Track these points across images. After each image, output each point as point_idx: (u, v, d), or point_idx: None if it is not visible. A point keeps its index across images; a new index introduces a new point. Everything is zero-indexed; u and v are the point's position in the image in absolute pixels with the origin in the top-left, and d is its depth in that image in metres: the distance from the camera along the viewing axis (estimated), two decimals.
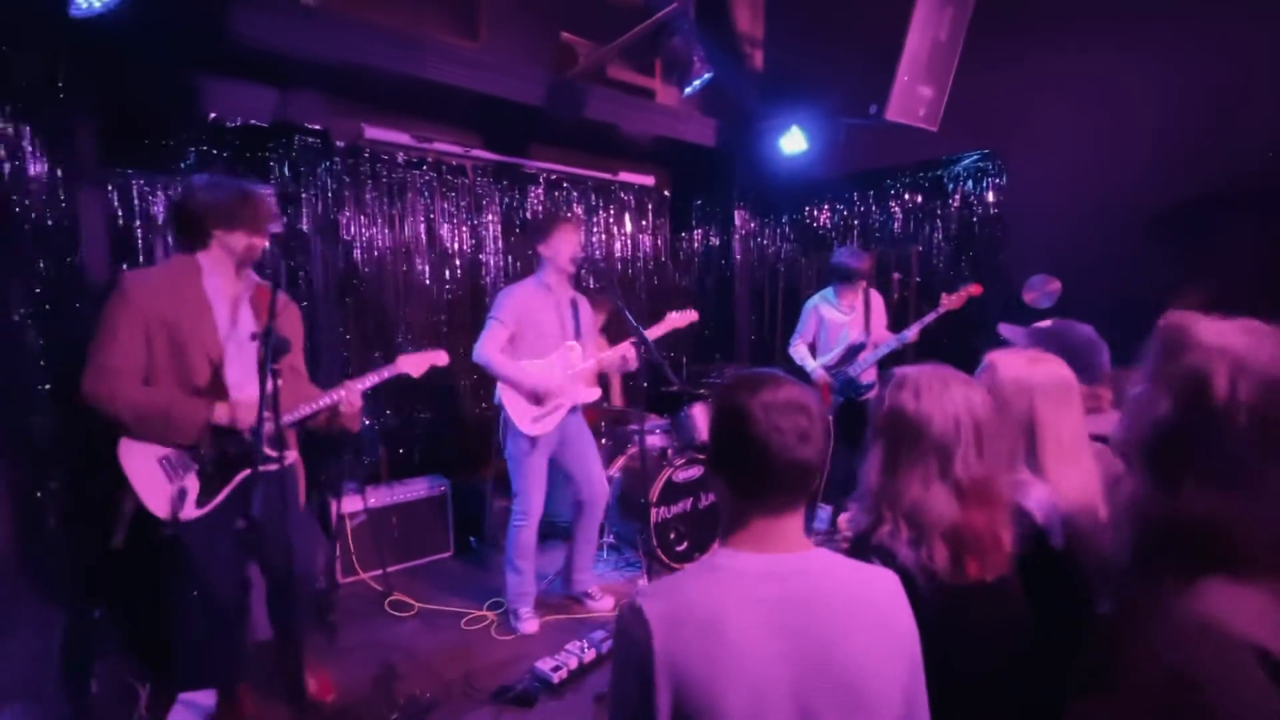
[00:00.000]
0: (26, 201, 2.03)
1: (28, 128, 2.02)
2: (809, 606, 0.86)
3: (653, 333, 2.95)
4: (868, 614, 0.88)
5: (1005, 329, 1.83)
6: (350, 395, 2.14)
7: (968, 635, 1.11)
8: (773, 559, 0.90)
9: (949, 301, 3.45)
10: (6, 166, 1.91)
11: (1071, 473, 1.36)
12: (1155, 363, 0.77)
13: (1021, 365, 1.43)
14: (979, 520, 1.12)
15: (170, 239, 2.99)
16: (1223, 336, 0.73)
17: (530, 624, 2.89)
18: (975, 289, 3.46)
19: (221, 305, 1.99)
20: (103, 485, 1.97)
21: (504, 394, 2.82)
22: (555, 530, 3.75)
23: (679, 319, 3.09)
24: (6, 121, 1.94)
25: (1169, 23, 3.13)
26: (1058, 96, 3.52)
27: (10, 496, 1.76)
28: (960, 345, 3.33)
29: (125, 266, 2.93)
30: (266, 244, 1.95)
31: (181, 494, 1.93)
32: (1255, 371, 0.68)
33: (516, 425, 2.80)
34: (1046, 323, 1.79)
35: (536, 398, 2.84)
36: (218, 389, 1.97)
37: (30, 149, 2.06)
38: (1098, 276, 3.34)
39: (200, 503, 1.96)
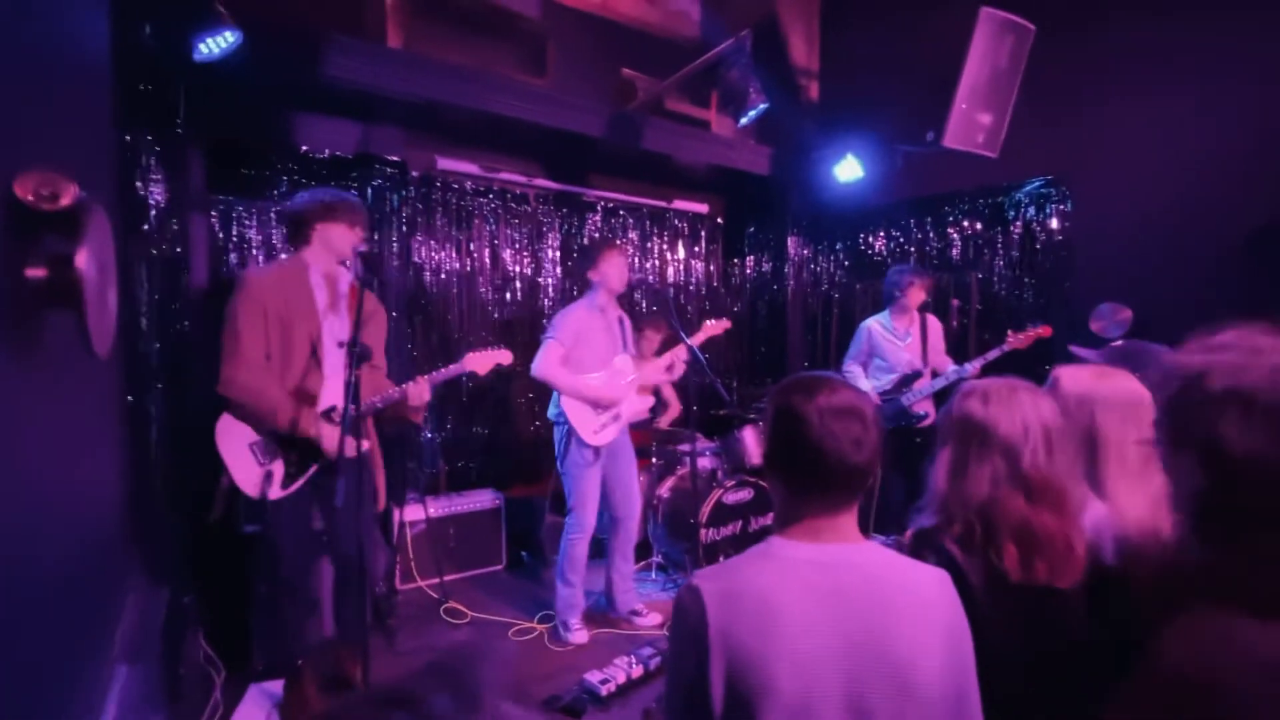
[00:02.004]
0: (148, 224, 2.28)
1: (153, 157, 2.28)
2: (860, 595, 0.89)
3: (692, 341, 3.06)
4: (917, 605, 0.90)
5: (1077, 349, 1.79)
6: (420, 388, 2.35)
7: (1036, 636, 1.11)
8: (825, 548, 0.93)
9: (1015, 340, 3.35)
10: (138, 191, 2.16)
11: (1136, 492, 1.31)
12: (1169, 426, 0.71)
13: (1086, 379, 1.41)
14: (1050, 522, 1.13)
15: (283, 240, 3.35)
16: (1228, 378, 0.66)
17: (580, 634, 2.94)
18: (1045, 331, 3.35)
19: (323, 300, 2.28)
20: (202, 476, 2.18)
21: (568, 407, 2.92)
22: (603, 549, 3.79)
23: (714, 327, 3.25)
24: (136, 151, 2.19)
25: (1242, 45, 3.05)
26: (1125, 121, 3.46)
27: (129, 480, 1.96)
28: (1026, 375, 3.24)
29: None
30: (360, 240, 2.14)
31: (268, 476, 2.17)
32: (1263, 411, 0.62)
33: (581, 436, 2.90)
34: (1119, 342, 1.75)
35: (598, 407, 2.94)
36: (315, 374, 2.25)
37: (153, 176, 2.32)
38: (1170, 305, 3.20)
39: (285, 484, 2.20)
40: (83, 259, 0.83)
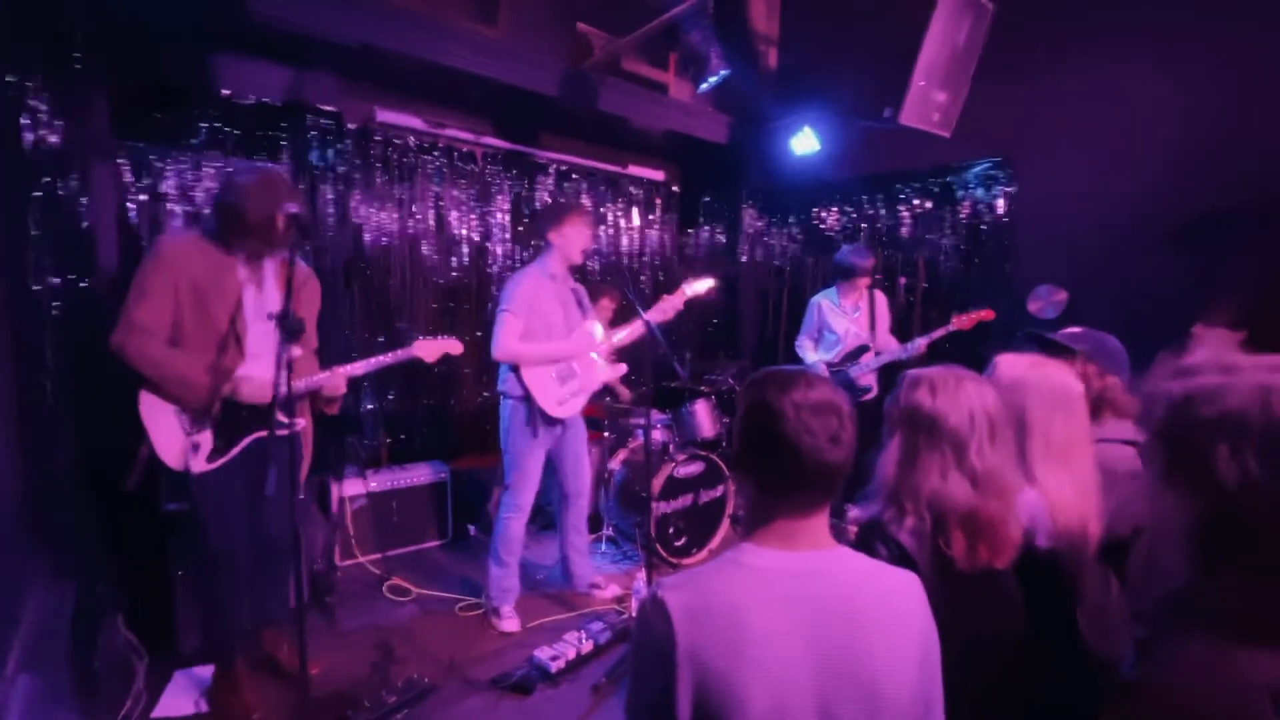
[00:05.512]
0: (42, 171, 2.02)
1: (45, 97, 2.01)
2: (833, 606, 0.87)
3: (672, 302, 2.93)
4: (889, 615, 0.89)
5: (1058, 335, 1.84)
6: (335, 379, 2.20)
7: (979, 618, 1.15)
8: (797, 557, 0.90)
9: (959, 322, 3.43)
10: (27, 136, 1.90)
11: (1060, 476, 1.38)
12: (1166, 454, 0.71)
13: (1022, 367, 1.48)
14: (993, 508, 1.17)
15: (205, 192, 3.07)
16: (1215, 403, 0.65)
17: (511, 622, 2.85)
18: (987, 314, 3.42)
19: (245, 270, 2.08)
20: (113, 455, 1.99)
21: (529, 379, 2.78)
22: (553, 520, 3.75)
23: (698, 285, 2.99)
24: (26, 91, 1.92)
25: (1185, 35, 3.14)
26: (1072, 106, 3.53)
27: (24, 466, 1.76)
28: (965, 355, 3.33)
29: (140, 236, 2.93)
30: (282, 221, 1.95)
31: (195, 447, 2.02)
32: (1256, 437, 0.62)
33: (543, 408, 2.78)
34: (1077, 329, 1.81)
35: (565, 378, 2.84)
36: (237, 353, 2.06)
37: (46, 119, 2.04)
38: (1106, 288, 3.36)
39: (211, 458, 2.04)
40: None
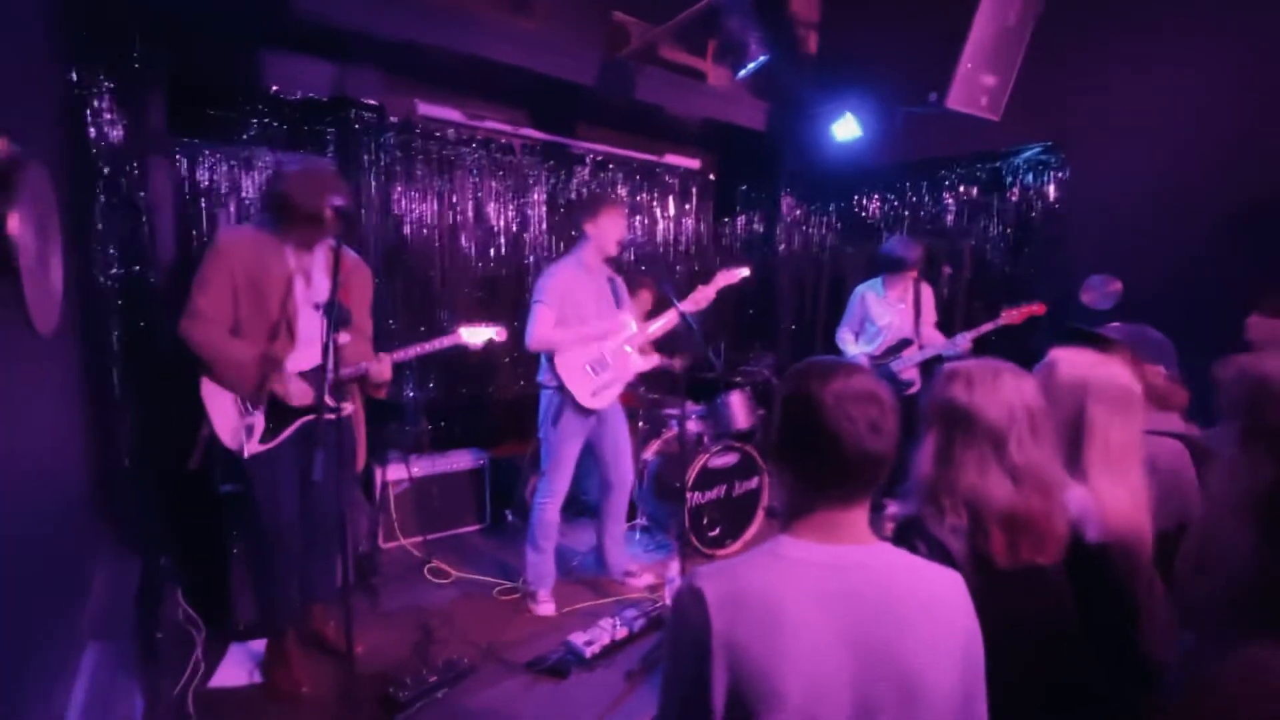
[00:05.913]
0: (104, 167, 2.12)
1: (107, 97, 2.10)
2: (871, 601, 0.85)
3: (705, 293, 2.93)
4: (930, 612, 0.87)
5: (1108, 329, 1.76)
6: (381, 366, 2.27)
7: (1024, 615, 1.12)
8: (837, 550, 0.88)
9: (1009, 316, 3.30)
10: (90, 132, 1.99)
11: (1116, 483, 1.32)
12: (1244, 421, 0.70)
13: (1083, 366, 1.40)
14: (1035, 505, 1.14)
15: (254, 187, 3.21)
16: None
17: (547, 606, 2.90)
18: (1039, 308, 3.29)
19: (295, 260, 2.18)
20: (173, 438, 2.09)
21: (563, 370, 2.81)
22: (588, 509, 3.80)
23: (730, 275, 2.98)
24: (86, 90, 2.01)
25: (1246, 19, 2.95)
26: (1127, 89, 3.36)
27: (94, 449, 1.87)
28: (1013, 346, 3.21)
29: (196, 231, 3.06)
30: (329, 214, 2.00)
31: (249, 429, 2.12)
32: None
33: (577, 399, 2.81)
34: (1116, 325, 1.74)
35: (597, 368, 2.86)
36: (288, 340, 2.17)
37: (108, 116, 2.14)
38: (1162, 279, 3.20)
39: (264, 439, 2.14)
40: (16, 224, 0.73)
